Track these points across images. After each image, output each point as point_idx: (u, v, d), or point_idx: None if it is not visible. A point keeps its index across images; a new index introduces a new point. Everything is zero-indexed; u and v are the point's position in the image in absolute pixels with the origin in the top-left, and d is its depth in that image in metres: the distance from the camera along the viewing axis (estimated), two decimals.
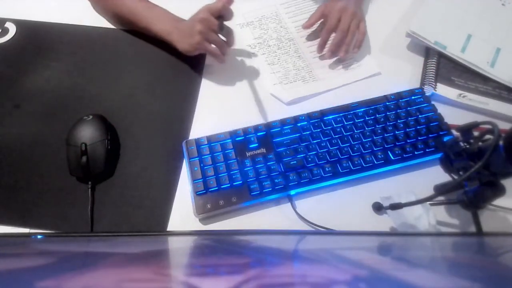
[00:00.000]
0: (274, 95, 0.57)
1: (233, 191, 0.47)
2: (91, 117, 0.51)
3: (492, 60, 0.57)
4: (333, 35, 0.60)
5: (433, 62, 0.59)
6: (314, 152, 0.50)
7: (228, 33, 0.57)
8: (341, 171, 0.48)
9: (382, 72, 0.60)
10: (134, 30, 0.63)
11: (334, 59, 0.61)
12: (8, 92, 0.57)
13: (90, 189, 0.48)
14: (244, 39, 0.56)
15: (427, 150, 0.50)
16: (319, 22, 0.62)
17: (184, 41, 0.56)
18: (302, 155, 0.49)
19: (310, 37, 0.64)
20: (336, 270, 0.29)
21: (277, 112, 0.55)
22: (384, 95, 0.55)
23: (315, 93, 0.57)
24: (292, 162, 0.49)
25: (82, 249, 0.37)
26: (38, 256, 0.33)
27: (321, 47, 0.60)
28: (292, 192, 0.48)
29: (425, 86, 0.57)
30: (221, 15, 0.54)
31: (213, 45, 0.55)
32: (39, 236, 0.41)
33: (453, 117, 0.53)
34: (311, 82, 0.59)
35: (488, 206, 0.42)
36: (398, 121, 0.52)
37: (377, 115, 0.53)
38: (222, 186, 0.47)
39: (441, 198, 0.44)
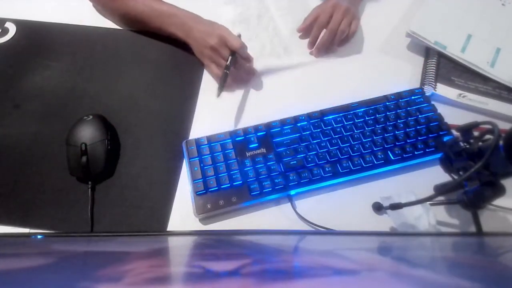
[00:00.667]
0: None
1: (233, 191, 0.47)
2: (91, 117, 0.51)
3: (492, 60, 0.57)
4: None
5: (433, 62, 0.59)
6: (314, 152, 0.50)
7: (243, 68, 0.58)
8: (341, 171, 0.48)
9: (382, 72, 0.60)
10: (135, 30, 0.63)
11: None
12: (8, 92, 0.57)
13: (90, 189, 0.48)
14: (225, 16, 0.59)
15: (427, 150, 0.50)
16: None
17: (197, 49, 0.58)
18: (302, 155, 0.49)
19: (302, 36, 0.64)
20: (332, 260, 0.29)
21: (277, 112, 0.55)
22: (384, 95, 0.55)
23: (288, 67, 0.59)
24: (292, 162, 0.49)
25: (82, 249, 0.37)
26: (38, 256, 0.33)
27: (311, 43, 0.61)
28: (292, 192, 0.48)
29: (425, 86, 0.57)
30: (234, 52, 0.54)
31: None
32: (39, 236, 0.41)
33: (453, 117, 0.53)
34: (285, 57, 0.61)
35: (488, 206, 0.42)
36: (398, 121, 0.52)
37: (377, 115, 0.53)
38: (222, 186, 0.47)
39: (441, 198, 0.44)
